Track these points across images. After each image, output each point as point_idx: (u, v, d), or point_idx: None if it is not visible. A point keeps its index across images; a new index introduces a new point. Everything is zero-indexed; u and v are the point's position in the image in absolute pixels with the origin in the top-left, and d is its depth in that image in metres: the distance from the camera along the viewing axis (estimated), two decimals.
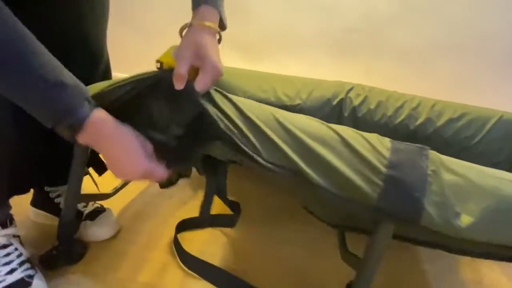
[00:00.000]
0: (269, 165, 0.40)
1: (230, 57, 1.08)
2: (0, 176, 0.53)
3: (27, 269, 0.58)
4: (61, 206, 0.70)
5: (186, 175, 0.79)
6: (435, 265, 0.72)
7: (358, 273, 0.47)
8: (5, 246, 0.58)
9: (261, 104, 0.49)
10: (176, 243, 0.69)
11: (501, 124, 0.75)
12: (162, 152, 0.47)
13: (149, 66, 0.51)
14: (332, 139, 0.41)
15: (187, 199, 0.87)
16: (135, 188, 0.87)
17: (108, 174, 0.74)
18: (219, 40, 0.52)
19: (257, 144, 0.42)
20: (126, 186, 0.81)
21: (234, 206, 0.76)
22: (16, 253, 0.58)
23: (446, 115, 0.80)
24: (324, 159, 0.38)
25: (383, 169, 0.38)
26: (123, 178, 0.48)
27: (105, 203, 0.76)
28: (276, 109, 0.48)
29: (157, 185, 0.90)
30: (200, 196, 0.87)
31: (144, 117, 0.46)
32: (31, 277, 0.57)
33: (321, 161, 0.39)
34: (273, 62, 1.60)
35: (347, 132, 0.44)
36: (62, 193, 0.71)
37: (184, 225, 0.74)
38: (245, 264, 0.68)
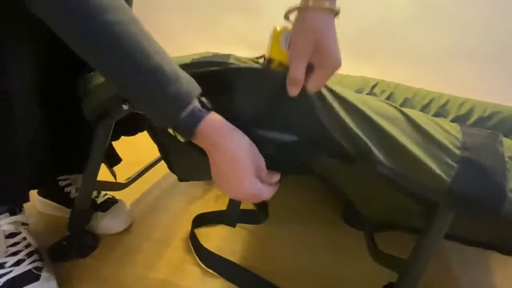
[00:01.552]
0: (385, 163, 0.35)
1: (242, 55, 1.06)
2: (18, 169, 0.48)
3: (36, 260, 0.53)
4: (72, 195, 0.66)
5: None
6: (466, 271, 0.68)
7: (402, 276, 0.43)
8: (12, 235, 0.53)
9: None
10: (193, 238, 0.65)
11: None
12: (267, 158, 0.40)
13: None
14: (400, 119, 0.37)
15: (200, 194, 0.83)
16: (147, 180, 0.83)
17: (122, 162, 0.70)
18: None
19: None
20: (139, 178, 0.77)
21: (261, 204, 0.71)
22: (25, 242, 0.54)
23: (476, 114, 0.77)
24: (392, 138, 0.35)
25: (456, 150, 0.34)
26: (227, 193, 0.41)
27: (115, 195, 0.71)
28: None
29: (169, 178, 0.86)
30: (214, 191, 0.83)
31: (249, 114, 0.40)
32: (39, 269, 0.53)
33: (389, 140, 0.35)
34: None
35: (414, 112, 0.40)
36: (73, 182, 0.67)
37: (201, 220, 0.70)
38: (267, 264, 0.64)
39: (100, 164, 0.53)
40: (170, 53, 0.88)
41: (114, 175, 0.66)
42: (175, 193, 0.82)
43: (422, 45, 1.50)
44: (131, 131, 0.65)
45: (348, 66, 1.87)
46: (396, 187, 0.36)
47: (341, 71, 1.42)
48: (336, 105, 0.37)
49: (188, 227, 0.69)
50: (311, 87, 0.37)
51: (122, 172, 0.73)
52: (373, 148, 0.35)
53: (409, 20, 1.47)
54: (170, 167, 0.59)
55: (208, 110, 0.38)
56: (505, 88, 1.44)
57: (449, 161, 0.34)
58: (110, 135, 0.50)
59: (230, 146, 0.37)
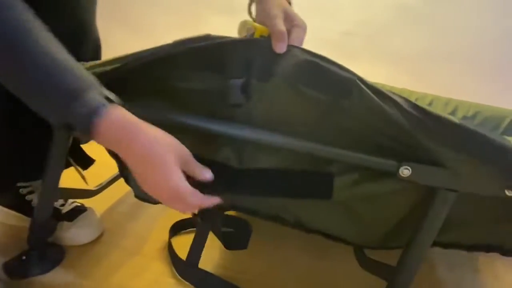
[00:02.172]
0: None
1: None
2: None
3: None
4: (33, 204, 0.60)
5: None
6: (453, 273, 0.67)
7: (391, 283, 0.40)
8: None
9: None
10: (170, 249, 0.60)
11: None
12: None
13: None
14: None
15: None
16: (122, 186, 0.78)
17: (92, 168, 0.65)
18: None
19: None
20: (113, 184, 0.72)
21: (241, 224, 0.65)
22: None
23: (460, 114, 0.77)
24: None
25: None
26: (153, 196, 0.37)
27: (86, 202, 0.66)
28: None
29: None
30: None
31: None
32: None
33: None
34: None
35: None
36: (35, 189, 0.61)
37: (178, 227, 0.66)
38: (248, 272, 0.60)
39: (61, 170, 0.48)
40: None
41: (83, 177, 0.60)
42: None
43: (402, 47, 1.52)
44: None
45: None
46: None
47: None
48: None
49: (163, 234, 0.64)
50: (295, 43, 0.40)
51: (95, 176, 0.68)
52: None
53: (389, 22, 1.48)
54: (127, 182, 0.53)
55: (111, 103, 0.33)
56: (482, 87, 1.48)
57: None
58: (71, 138, 0.45)
59: (140, 140, 0.33)
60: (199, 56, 0.36)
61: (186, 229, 0.67)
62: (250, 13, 0.49)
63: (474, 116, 0.75)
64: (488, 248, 0.43)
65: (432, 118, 0.31)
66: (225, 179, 0.41)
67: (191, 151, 0.36)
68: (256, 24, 0.42)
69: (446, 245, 0.44)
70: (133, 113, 0.33)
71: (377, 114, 0.32)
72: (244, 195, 0.44)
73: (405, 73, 1.52)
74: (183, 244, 0.61)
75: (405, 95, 0.81)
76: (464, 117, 0.75)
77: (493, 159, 0.31)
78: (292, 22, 0.42)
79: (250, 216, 0.49)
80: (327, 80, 0.34)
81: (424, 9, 1.42)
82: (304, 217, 0.45)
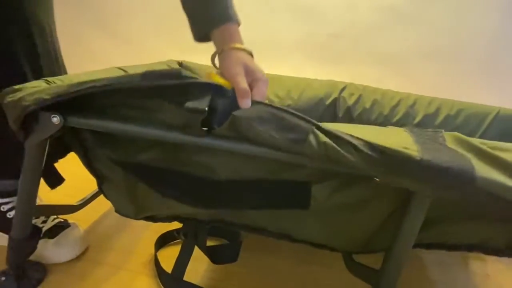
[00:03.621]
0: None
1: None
2: None
3: None
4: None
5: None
6: (446, 273, 0.66)
7: (375, 286, 0.40)
8: None
9: None
10: (156, 262, 0.59)
11: (499, 119, 0.73)
12: None
13: None
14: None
15: None
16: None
17: (77, 182, 0.64)
18: None
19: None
20: (97, 198, 0.71)
21: (231, 235, 0.63)
22: None
23: (443, 112, 0.77)
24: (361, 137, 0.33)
25: (414, 145, 0.33)
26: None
27: (69, 218, 0.65)
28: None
29: None
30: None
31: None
32: None
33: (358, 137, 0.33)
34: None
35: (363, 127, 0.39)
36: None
37: (164, 240, 0.64)
38: (237, 282, 0.59)
39: (36, 186, 0.47)
40: (140, 61, 0.78)
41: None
42: None
43: (389, 48, 1.53)
44: (61, 152, 0.56)
45: (317, 70, 1.89)
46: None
47: (310, 75, 1.40)
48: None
49: (148, 248, 0.63)
50: (258, 98, 0.41)
51: (79, 191, 0.67)
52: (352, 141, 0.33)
53: (376, 23, 1.50)
54: (106, 195, 0.52)
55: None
56: (467, 85, 1.49)
57: (412, 143, 0.34)
58: (45, 153, 0.44)
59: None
60: (166, 91, 0.36)
61: (171, 242, 0.66)
62: (214, 65, 0.49)
63: (457, 114, 0.76)
64: (469, 248, 0.42)
65: (392, 158, 0.31)
66: (202, 193, 0.40)
67: (165, 164, 0.36)
68: (221, 79, 0.43)
69: (427, 246, 0.44)
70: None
71: (335, 160, 0.32)
72: (220, 208, 0.43)
73: (393, 74, 1.53)
74: (169, 257, 0.60)
75: (389, 96, 0.82)
76: (448, 115, 0.75)
77: (455, 187, 0.31)
78: (253, 76, 0.43)
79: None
80: (284, 128, 0.34)
81: (410, 9, 1.44)
82: (285, 228, 0.45)
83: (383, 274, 0.38)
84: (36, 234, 0.56)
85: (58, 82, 0.46)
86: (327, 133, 0.33)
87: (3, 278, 0.53)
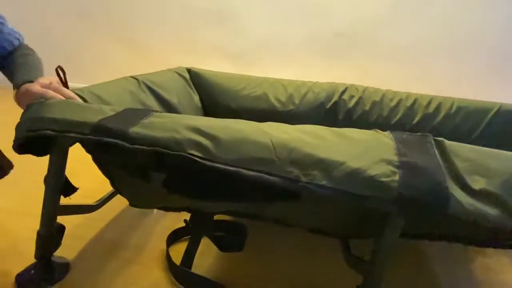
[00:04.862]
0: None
1: (221, 66, 1.08)
2: None
3: None
4: None
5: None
6: (447, 265, 0.67)
7: (365, 277, 0.43)
8: None
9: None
10: (168, 258, 0.64)
11: (500, 115, 0.73)
12: None
13: None
14: (328, 137, 0.37)
15: None
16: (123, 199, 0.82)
17: (95, 183, 0.70)
18: None
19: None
20: (114, 198, 0.76)
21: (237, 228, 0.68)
22: None
23: (442, 112, 0.78)
24: (326, 159, 0.34)
25: (394, 156, 0.34)
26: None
27: (88, 216, 0.70)
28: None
29: None
30: None
31: None
32: None
33: (324, 162, 0.34)
34: (264, 68, 1.60)
35: (343, 130, 0.40)
36: None
37: (175, 236, 0.69)
38: (246, 277, 0.63)
39: (59, 189, 0.53)
40: (147, 68, 0.82)
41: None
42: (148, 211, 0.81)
43: (396, 42, 1.53)
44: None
45: (324, 67, 1.92)
46: (346, 205, 0.35)
47: (317, 72, 1.45)
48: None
49: (159, 243, 0.67)
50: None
51: (96, 192, 0.73)
52: (311, 173, 0.34)
53: (382, 19, 1.50)
54: (120, 193, 0.58)
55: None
56: (476, 80, 1.47)
57: (391, 167, 0.34)
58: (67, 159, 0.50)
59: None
60: None
61: (181, 238, 0.70)
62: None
63: (456, 113, 0.77)
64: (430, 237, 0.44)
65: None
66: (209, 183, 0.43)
67: None
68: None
69: (424, 237, 0.46)
70: None
71: (328, 208, 0.34)
72: (225, 201, 0.47)
73: (401, 68, 1.52)
74: (180, 252, 0.65)
75: (388, 98, 0.84)
76: (447, 115, 0.77)
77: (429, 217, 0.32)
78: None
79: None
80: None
81: (416, 3, 1.44)
82: (281, 216, 0.48)
83: (372, 265, 0.41)
84: (60, 231, 0.62)
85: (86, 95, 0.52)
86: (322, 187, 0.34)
87: (32, 271, 0.59)
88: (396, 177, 0.33)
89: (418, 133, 0.40)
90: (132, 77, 0.74)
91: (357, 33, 1.55)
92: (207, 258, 0.66)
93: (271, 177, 0.33)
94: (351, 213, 0.44)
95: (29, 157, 0.48)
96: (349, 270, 0.52)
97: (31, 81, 0.53)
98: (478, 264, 0.69)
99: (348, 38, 1.56)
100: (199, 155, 0.34)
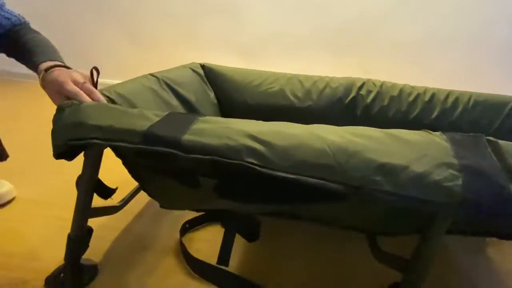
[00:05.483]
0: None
1: (227, 60, 1.07)
2: None
3: None
4: None
5: None
6: (467, 257, 0.69)
7: (407, 275, 0.44)
8: None
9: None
10: (182, 247, 0.65)
11: None
12: None
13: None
14: (385, 140, 0.36)
15: None
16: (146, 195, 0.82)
17: (114, 184, 0.69)
18: None
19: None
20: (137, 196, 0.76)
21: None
22: None
23: (460, 106, 0.79)
24: (388, 164, 0.33)
25: (453, 159, 0.34)
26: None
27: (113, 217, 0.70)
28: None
29: None
30: None
31: None
32: None
33: (386, 167, 0.33)
34: (270, 62, 1.58)
35: (391, 130, 0.39)
36: None
37: (189, 226, 0.71)
38: (260, 267, 0.64)
39: (92, 192, 0.52)
40: (156, 65, 0.80)
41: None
42: None
43: (402, 36, 1.53)
44: None
45: (330, 62, 1.91)
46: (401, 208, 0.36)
47: (323, 67, 1.43)
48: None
49: (172, 232, 0.69)
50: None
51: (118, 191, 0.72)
52: (374, 179, 0.33)
53: (388, 12, 1.50)
54: (150, 196, 0.58)
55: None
56: (485, 74, 1.49)
57: (452, 171, 0.33)
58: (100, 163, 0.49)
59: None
60: None
61: (193, 228, 0.73)
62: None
63: (474, 107, 0.78)
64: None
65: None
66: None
67: None
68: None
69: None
70: None
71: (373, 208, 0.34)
72: (261, 204, 0.46)
73: (408, 62, 1.53)
74: (197, 240, 0.68)
75: (406, 93, 0.84)
76: (464, 110, 0.78)
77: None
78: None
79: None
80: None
81: None
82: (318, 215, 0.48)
83: (416, 263, 0.41)
84: (89, 233, 0.61)
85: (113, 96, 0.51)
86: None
87: (62, 275, 0.58)
88: (459, 181, 0.33)
89: (470, 134, 0.39)
90: (151, 74, 0.73)
91: (364, 27, 1.55)
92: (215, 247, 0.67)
93: (333, 184, 0.33)
94: (394, 213, 0.44)
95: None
96: (360, 258, 0.52)
97: (56, 61, 0.53)
98: (496, 257, 0.71)
99: (354, 32, 1.55)
100: (257, 163, 0.34)
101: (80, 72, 0.51)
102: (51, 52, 0.58)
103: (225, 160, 0.35)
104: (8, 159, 0.78)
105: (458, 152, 0.36)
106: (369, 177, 0.33)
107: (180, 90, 0.76)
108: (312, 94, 0.86)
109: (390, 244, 0.55)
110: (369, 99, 0.84)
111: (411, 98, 0.83)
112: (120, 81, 0.65)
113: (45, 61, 0.54)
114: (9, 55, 0.64)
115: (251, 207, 0.46)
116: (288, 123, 0.40)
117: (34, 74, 0.55)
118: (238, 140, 0.36)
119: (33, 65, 0.56)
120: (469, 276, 0.65)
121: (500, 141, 0.37)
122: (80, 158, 0.50)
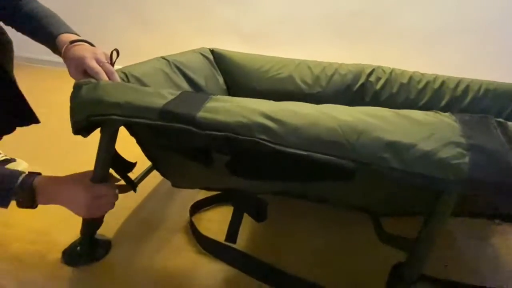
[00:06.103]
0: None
1: (236, 46, 1.07)
2: None
3: None
4: None
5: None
6: (472, 242, 0.70)
7: (411, 255, 0.45)
8: None
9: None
10: (192, 225, 0.68)
11: None
12: None
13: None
14: (394, 119, 0.37)
15: None
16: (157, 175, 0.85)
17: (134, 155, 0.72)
18: None
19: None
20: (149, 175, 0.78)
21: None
22: None
23: (470, 94, 0.79)
24: (397, 142, 0.34)
25: (461, 138, 0.35)
26: (86, 216, 0.54)
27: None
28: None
29: None
30: None
31: None
32: None
33: (395, 145, 0.34)
34: (279, 48, 1.57)
35: (401, 110, 0.40)
36: None
37: (198, 206, 0.73)
38: (266, 247, 0.66)
39: (107, 169, 0.54)
40: (165, 50, 0.80)
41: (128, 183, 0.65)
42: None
43: (412, 24, 1.50)
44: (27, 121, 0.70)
45: (339, 48, 1.88)
46: (407, 187, 0.36)
47: (333, 55, 1.42)
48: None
49: (182, 211, 0.72)
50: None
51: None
52: (383, 156, 0.34)
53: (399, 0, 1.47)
54: (163, 175, 0.59)
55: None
56: (495, 64, 1.46)
57: (460, 149, 0.34)
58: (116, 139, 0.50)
59: (60, 189, 0.52)
60: None
61: (202, 208, 0.75)
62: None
63: (484, 95, 0.77)
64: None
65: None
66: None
67: None
68: None
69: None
70: None
71: (380, 187, 0.35)
72: (272, 181, 0.47)
73: (417, 50, 1.50)
74: (206, 220, 0.69)
75: (415, 80, 0.84)
76: (474, 98, 0.77)
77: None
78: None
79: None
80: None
81: None
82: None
83: (420, 244, 0.42)
84: None
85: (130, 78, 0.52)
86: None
87: (78, 248, 0.61)
88: (466, 160, 0.33)
89: (479, 115, 0.40)
90: (162, 57, 0.74)
91: (374, 13, 1.52)
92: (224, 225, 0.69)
93: (344, 161, 0.34)
94: (401, 192, 0.45)
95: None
96: (365, 240, 0.53)
97: (77, 35, 0.54)
98: (500, 243, 0.72)
99: (363, 19, 1.52)
100: (270, 139, 0.35)
101: (103, 52, 0.52)
102: (66, 25, 0.59)
103: (238, 136, 0.36)
104: (21, 141, 0.81)
105: (467, 132, 0.36)
106: (378, 155, 0.34)
107: (190, 74, 0.77)
108: (321, 81, 0.87)
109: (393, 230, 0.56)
110: (378, 86, 0.84)
111: (420, 86, 0.82)
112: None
113: (64, 33, 0.54)
114: (6, 23, 0.62)
115: (261, 184, 0.47)
116: (300, 102, 0.41)
117: (37, 58, 0.56)
118: (251, 117, 0.37)
119: (49, 36, 0.55)
120: (470, 261, 0.67)
121: (510, 123, 0.38)
122: (90, 142, 0.53)
